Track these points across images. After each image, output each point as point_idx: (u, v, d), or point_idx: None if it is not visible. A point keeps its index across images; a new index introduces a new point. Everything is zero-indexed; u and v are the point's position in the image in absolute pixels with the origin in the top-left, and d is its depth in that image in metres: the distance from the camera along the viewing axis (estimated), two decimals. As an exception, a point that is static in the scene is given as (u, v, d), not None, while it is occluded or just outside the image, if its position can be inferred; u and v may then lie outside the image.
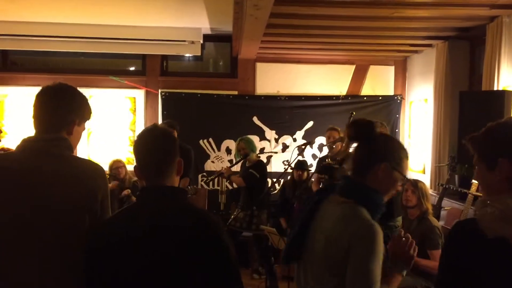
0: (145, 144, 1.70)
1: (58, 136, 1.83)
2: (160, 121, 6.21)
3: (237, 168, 5.40)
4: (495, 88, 4.17)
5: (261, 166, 5.15)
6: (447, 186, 4.64)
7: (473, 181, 4.25)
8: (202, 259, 1.54)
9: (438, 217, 4.57)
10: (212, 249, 1.56)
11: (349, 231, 1.69)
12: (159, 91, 6.50)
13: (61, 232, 1.73)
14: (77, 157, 1.92)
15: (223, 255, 1.57)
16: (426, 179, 5.74)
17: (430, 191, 5.41)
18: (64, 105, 1.86)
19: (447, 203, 4.84)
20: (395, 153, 1.83)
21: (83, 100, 1.93)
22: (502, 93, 3.79)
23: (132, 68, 6.97)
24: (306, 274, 1.88)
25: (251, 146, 5.12)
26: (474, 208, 4.11)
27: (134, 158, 1.73)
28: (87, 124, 2.01)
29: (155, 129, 1.75)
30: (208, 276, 1.54)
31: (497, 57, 4.24)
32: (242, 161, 5.22)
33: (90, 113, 1.96)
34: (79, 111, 1.90)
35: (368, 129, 1.83)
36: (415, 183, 3.87)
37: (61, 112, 1.85)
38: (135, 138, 1.74)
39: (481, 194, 4.15)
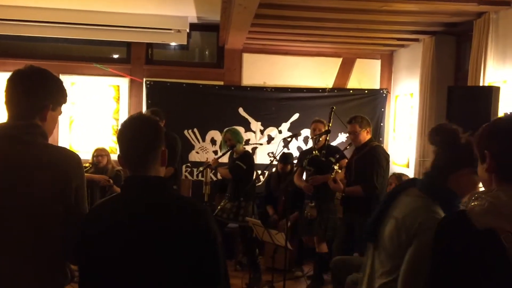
0: (129, 132, 1.65)
1: (31, 123, 1.75)
2: (144, 110, 6.13)
3: (224, 159, 5.37)
4: (481, 84, 4.20)
5: (248, 158, 5.12)
6: (430, 180, 4.67)
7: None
8: (190, 247, 1.52)
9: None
10: (200, 237, 1.54)
11: (419, 221, 1.84)
12: (144, 79, 6.41)
13: (33, 221, 1.69)
14: (51, 144, 1.84)
15: (211, 243, 1.55)
16: (410, 173, 5.78)
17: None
18: (36, 89, 1.77)
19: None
20: (476, 159, 1.83)
21: (57, 83, 1.84)
22: (490, 89, 3.81)
23: (116, 56, 6.85)
24: (373, 258, 2.10)
25: (237, 137, 5.09)
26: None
27: (118, 147, 1.68)
28: (68, 110, 1.96)
29: (140, 117, 1.70)
30: (196, 264, 1.53)
31: (484, 53, 4.27)
32: (229, 152, 5.19)
33: (65, 96, 1.87)
34: (53, 95, 1.81)
35: (454, 137, 1.94)
36: (399, 177, 3.90)
37: (33, 97, 1.76)
38: (119, 126, 1.69)
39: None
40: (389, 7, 4.33)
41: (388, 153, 6.61)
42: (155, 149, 1.64)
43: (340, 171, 4.26)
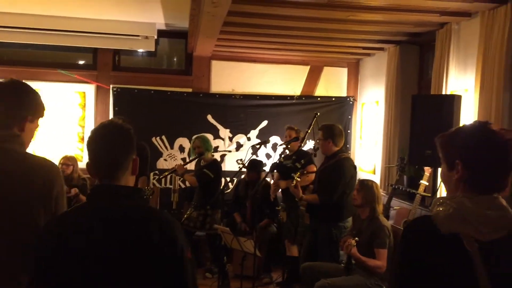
0: (100, 139, 1.61)
1: (10, 132, 1.80)
2: (111, 117, 6.04)
3: (191, 166, 5.33)
4: (443, 92, 4.33)
5: (215, 166, 5.11)
6: (396, 187, 4.77)
7: (421, 181, 4.40)
8: (157, 260, 1.50)
9: (387, 216, 4.69)
10: (168, 250, 1.51)
11: None
12: (111, 86, 6.32)
13: (12, 229, 1.70)
14: (31, 154, 1.88)
15: (178, 255, 1.53)
16: (376, 179, 5.87)
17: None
18: (15, 101, 1.83)
19: (396, 203, 4.99)
20: None
21: (36, 96, 1.90)
22: (452, 97, 3.93)
23: (82, 62, 6.74)
24: None
25: (206, 145, 5.07)
26: (421, 207, 4.27)
27: (87, 154, 1.65)
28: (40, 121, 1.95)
29: (112, 125, 1.67)
30: (164, 277, 1.50)
31: (446, 62, 4.41)
32: (196, 160, 5.16)
33: (43, 109, 1.92)
34: (31, 107, 1.87)
35: None
36: (361, 183, 3.94)
37: (12, 108, 1.82)
38: (90, 133, 1.65)
39: (428, 195, 4.30)
40: (355, 17, 4.41)
41: (355, 161, 6.76)
42: (126, 157, 1.62)
43: (299, 179, 4.26)
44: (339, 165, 4.22)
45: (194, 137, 5.20)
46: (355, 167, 4.46)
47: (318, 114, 4.68)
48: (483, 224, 1.44)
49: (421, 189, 4.39)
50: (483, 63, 3.82)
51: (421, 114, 3.98)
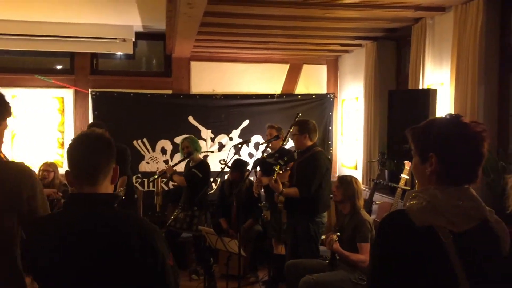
0: (79, 148, 1.62)
1: None
2: (90, 121, 5.98)
3: (180, 168, 5.32)
4: (420, 87, 4.39)
5: (204, 166, 5.10)
6: (377, 181, 4.83)
7: (402, 175, 4.45)
8: (137, 269, 1.50)
9: (369, 211, 4.74)
10: (148, 259, 1.51)
11: None
12: (89, 90, 6.26)
13: None
14: (1, 159, 1.89)
15: (160, 264, 1.53)
16: (358, 175, 5.93)
17: (362, 186, 5.60)
18: None
19: (378, 197, 5.04)
20: None
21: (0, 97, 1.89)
22: (427, 91, 3.99)
23: (59, 67, 6.66)
24: None
25: (195, 145, 5.06)
26: (403, 201, 4.31)
27: (67, 162, 1.65)
28: (9, 124, 1.93)
29: (91, 134, 1.68)
30: (144, 285, 1.51)
31: (422, 57, 4.46)
32: (186, 161, 5.14)
33: (9, 109, 1.91)
34: None
35: None
36: (341, 179, 3.97)
37: None
38: (70, 141, 1.65)
39: (408, 188, 4.37)
40: (332, 14, 4.44)
41: (337, 157, 6.82)
42: (106, 166, 1.62)
43: (281, 172, 4.31)
44: (315, 157, 4.31)
45: (182, 137, 5.19)
46: (330, 160, 4.56)
47: (300, 114, 4.70)
48: (455, 215, 1.47)
49: (401, 183, 4.44)
50: (458, 57, 3.88)
51: (397, 109, 4.03)
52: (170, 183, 6.29)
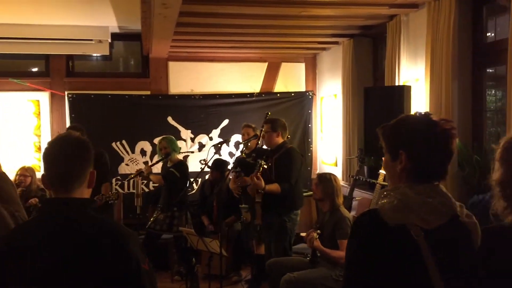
0: (55, 152, 1.59)
1: None
2: (68, 124, 5.90)
3: (158, 169, 5.30)
4: (396, 83, 4.43)
5: (182, 166, 5.07)
6: (357, 177, 4.86)
7: (380, 171, 4.49)
8: (111, 276, 1.48)
9: (350, 207, 4.78)
10: (122, 265, 1.49)
11: None
12: (66, 93, 6.18)
13: None
14: None
15: (134, 269, 1.51)
16: (338, 172, 5.98)
17: (342, 182, 5.64)
18: None
19: (358, 194, 5.08)
20: None
21: None
22: (402, 88, 4.03)
23: (34, 69, 6.56)
24: None
25: (173, 145, 5.03)
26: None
27: (43, 166, 1.62)
28: None
29: (68, 137, 1.65)
30: None
31: (397, 54, 4.51)
32: (163, 161, 5.11)
33: None
34: None
35: None
36: (320, 177, 4.00)
37: None
38: (46, 145, 1.62)
39: (387, 184, 4.39)
40: (307, 12, 4.46)
41: (317, 154, 6.86)
42: (82, 170, 1.59)
43: (266, 167, 4.35)
44: (290, 153, 4.40)
45: (160, 138, 5.16)
46: (303, 156, 4.62)
47: (269, 113, 4.72)
48: (426, 212, 1.49)
49: (380, 179, 4.48)
50: (432, 53, 3.93)
51: (373, 106, 4.07)
52: (151, 184, 6.26)
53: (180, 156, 6.37)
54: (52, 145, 1.61)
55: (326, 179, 3.90)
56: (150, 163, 6.13)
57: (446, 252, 1.49)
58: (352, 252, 1.54)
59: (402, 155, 1.54)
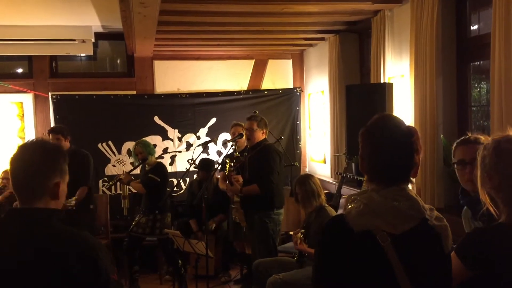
0: (19, 160, 1.53)
1: None
2: (52, 126, 5.81)
3: (137, 171, 5.22)
4: (382, 79, 4.38)
5: (160, 169, 5.01)
6: (345, 175, 4.82)
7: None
8: (77, 285, 1.43)
9: (337, 205, 4.74)
10: (90, 277, 1.44)
11: None
12: (50, 94, 6.09)
13: None
14: None
15: (103, 281, 1.46)
16: (326, 169, 5.95)
17: (331, 180, 5.62)
18: None
19: (346, 191, 5.03)
20: None
21: None
22: (384, 85, 3.99)
23: (17, 71, 6.46)
24: None
25: (148, 149, 4.96)
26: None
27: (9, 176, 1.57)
28: None
29: (36, 145, 1.57)
30: None
31: (382, 49, 4.45)
32: (142, 165, 5.06)
33: None
34: None
35: None
36: (298, 181, 3.94)
37: None
38: (12, 154, 1.56)
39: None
40: (290, 9, 4.40)
41: (306, 151, 6.82)
42: (44, 180, 1.52)
43: (232, 164, 4.30)
44: (267, 150, 4.34)
45: (134, 143, 5.09)
46: (280, 152, 4.55)
47: (256, 112, 4.67)
48: (393, 216, 1.45)
49: (367, 176, 4.45)
50: (416, 49, 3.88)
51: (355, 104, 4.02)
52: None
53: (168, 156, 6.33)
54: (16, 153, 1.55)
55: (303, 181, 3.86)
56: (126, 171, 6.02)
57: (415, 257, 1.45)
58: (318, 259, 1.51)
59: (359, 156, 1.56)
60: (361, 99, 4.00)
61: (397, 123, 1.57)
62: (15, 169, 1.53)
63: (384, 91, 3.81)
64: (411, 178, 1.54)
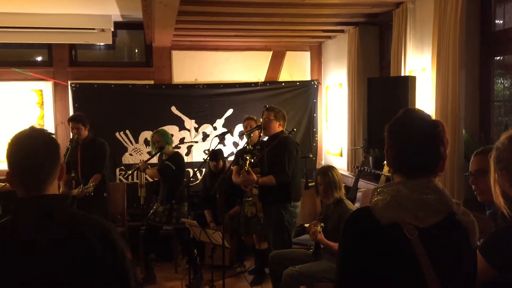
0: (21, 149, 1.51)
1: None
2: (71, 114, 5.87)
3: (155, 161, 5.26)
4: (402, 72, 4.33)
5: (177, 158, 5.04)
6: (362, 168, 4.80)
7: (385, 162, 4.42)
8: (98, 267, 1.47)
9: (354, 198, 4.72)
10: (110, 256, 1.48)
11: None
12: (69, 82, 6.14)
13: None
14: None
15: (120, 259, 1.51)
16: (343, 162, 5.92)
17: (347, 173, 5.59)
18: None
19: (362, 184, 5.02)
20: None
21: None
22: (407, 78, 3.93)
23: (37, 59, 6.52)
24: None
25: (166, 138, 4.99)
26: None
27: (8, 165, 1.53)
28: None
29: (33, 133, 1.57)
30: (109, 283, 1.48)
31: (403, 42, 4.40)
32: (159, 154, 5.08)
33: None
34: None
35: None
36: (319, 172, 3.92)
37: None
38: (9, 141, 1.55)
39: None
40: (311, 0, 4.36)
41: (323, 144, 6.79)
42: (52, 166, 1.55)
43: (252, 160, 4.29)
44: (284, 142, 4.34)
45: (152, 132, 5.12)
46: (297, 144, 4.54)
47: (267, 106, 4.64)
48: (420, 209, 1.43)
49: (385, 170, 4.42)
50: (439, 42, 3.82)
51: (377, 97, 3.98)
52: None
53: (184, 146, 6.36)
54: (16, 142, 1.53)
55: (325, 173, 3.84)
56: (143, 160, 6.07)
57: (442, 251, 1.44)
58: (343, 251, 1.50)
59: (385, 148, 1.55)
60: (382, 92, 3.96)
61: (422, 115, 1.58)
62: (19, 158, 1.52)
63: (406, 84, 3.76)
64: (438, 172, 1.52)
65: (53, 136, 1.61)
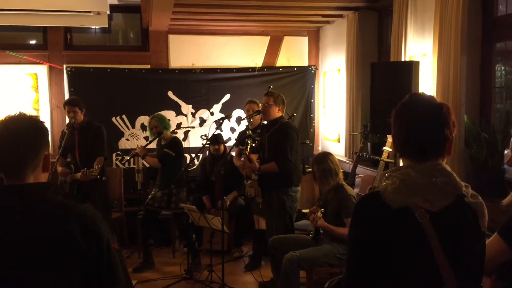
0: (7, 135, 1.47)
1: None
2: (66, 98, 5.80)
3: (153, 146, 5.22)
4: (402, 58, 4.31)
5: (176, 144, 5.01)
6: (360, 154, 4.79)
7: (384, 148, 4.42)
8: (82, 257, 1.43)
9: (352, 184, 4.73)
10: (91, 245, 1.44)
11: None
12: (64, 66, 6.06)
13: None
14: None
15: (103, 249, 1.47)
16: (341, 148, 5.92)
17: (345, 159, 5.59)
18: None
19: (361, 170, 5.02)
20: None
21: None
22: (410, 63, 3.91)
23: (32, 42, 6.42)
24: None
25: (164, 123, 4.95)
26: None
27: None
28: None
29: (20, 118, 1.51)
30: (94, 273, 1.45)
31: (404, 28, 4.37)
32: (157, 139, 5.05)
33: None
34: None
35: None
36: (316, 159, 3.92)
37: None
38: None
39: (392, 160, 4.33)
40: (311, -16, 4.32)
41: (320, 130, 6.78)
42: (35, 155, 1.49)
43: (253, 145, 4.28)
44: (285, 127, 4.31)
45: (150, 117, 5.08)
46: (298, 130, 4.53)
47: (272, 87, 4.62)
48: (430, 192, 1.43)
49: (384, 156, 4.41)
50: (440, 27, 3.80)
51: (380, 81, 3.96)
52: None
53: (181, 131, 6.32)
54: (2, 127, 1.48)
55: (322, 159, 3.84)
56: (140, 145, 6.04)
57: (452, 234, 1.44)
58: (354, 237, 1.50)
59: (392, 133, 1.56)
60: (385, 77, 3.93)
61: (428, 99, 1.58)
62: (3, 145, 1.47)
63: (410, 69, 3.74)
64: (445, 155, 1.52)
65: (42, 123, 1.55)
